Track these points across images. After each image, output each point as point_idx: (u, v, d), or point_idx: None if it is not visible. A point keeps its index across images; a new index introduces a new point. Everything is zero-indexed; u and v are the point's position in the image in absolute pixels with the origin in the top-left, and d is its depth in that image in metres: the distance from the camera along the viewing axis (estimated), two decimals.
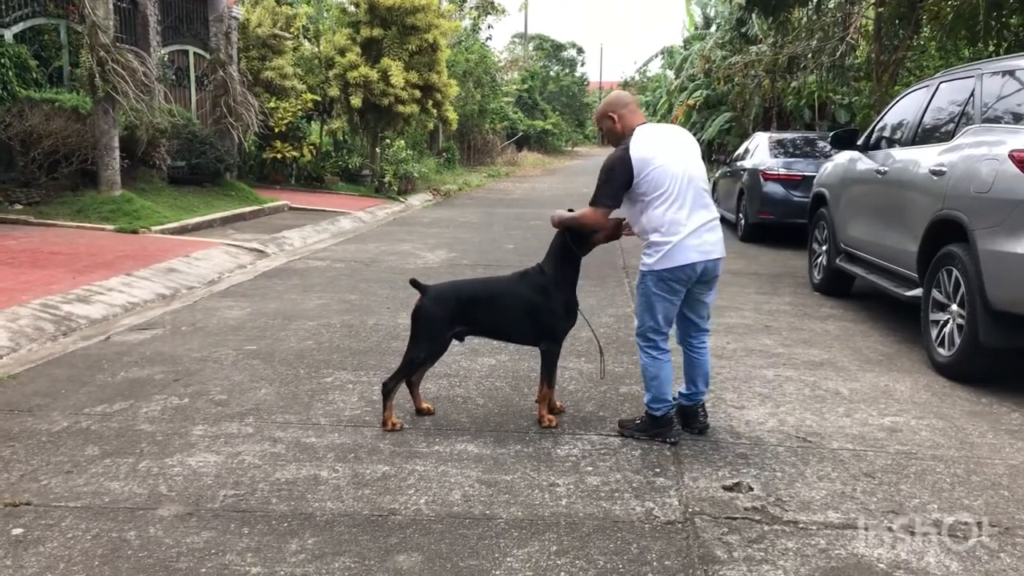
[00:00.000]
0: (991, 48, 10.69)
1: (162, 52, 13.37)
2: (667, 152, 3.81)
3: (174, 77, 14.06)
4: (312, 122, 18.27)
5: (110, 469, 3.52)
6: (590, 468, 3.62)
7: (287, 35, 16.27)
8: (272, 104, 15.61)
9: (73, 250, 8.43)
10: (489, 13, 27.63)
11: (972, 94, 5.57)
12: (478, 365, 5.17)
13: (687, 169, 3.82)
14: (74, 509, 3.16)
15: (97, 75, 10.14)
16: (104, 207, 10.39)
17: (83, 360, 5.19)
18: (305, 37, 18.54)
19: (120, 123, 11.00)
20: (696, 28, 31.20)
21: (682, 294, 3.92)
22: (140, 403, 4.37)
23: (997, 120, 5.20)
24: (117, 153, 10.75)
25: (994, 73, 5.49)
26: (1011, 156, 4.62)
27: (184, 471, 3.52)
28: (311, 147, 16.87)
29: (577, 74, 58.71)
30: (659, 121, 38.69)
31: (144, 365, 5.08)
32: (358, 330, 6.04)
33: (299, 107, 16.24)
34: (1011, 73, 5.32)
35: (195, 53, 14.89)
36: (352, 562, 2.81)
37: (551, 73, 53.91)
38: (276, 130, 15.72)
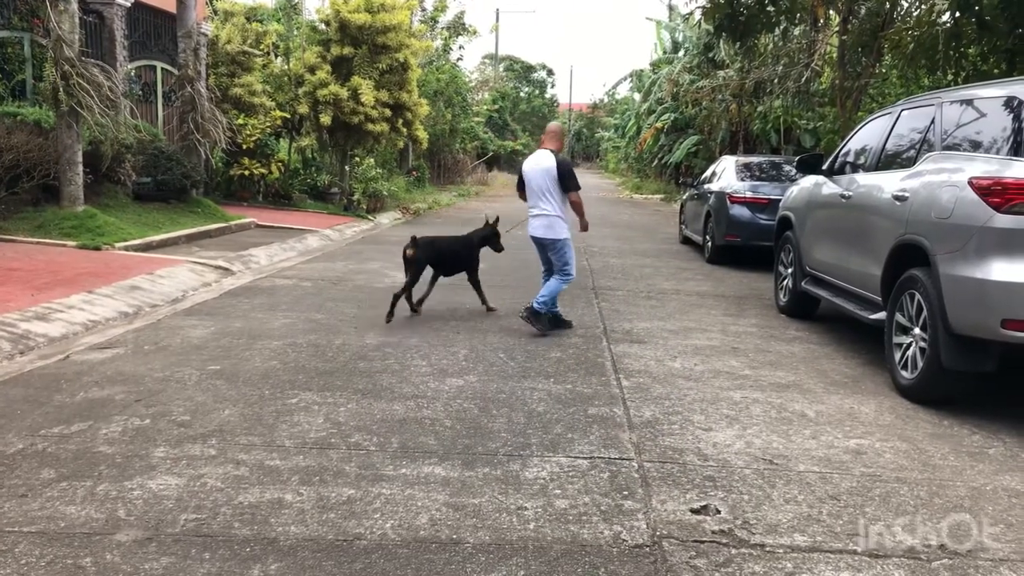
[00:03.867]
0: (950, 77, 10.97)
1: (129, 67, 13.24)
2: (531, 167, 6.82)
3: (141, 92, 13.92)
4: (281, 139, 18.16)
5: (67, 493, 3.43)
6: (558, 491, 3.60)
7: (257, 52, 16.21)
8: (240, 121, 15.51)
9: (32, 266, 8.26)
10: (460, 34, 27.71)
11: (933, 122, 5.69)
12: (446, 386, 5.14)
13: (537, 180, 6.72)
14: (28, 534, 3.07)
15: (61, 89, 10.00)
16: (66, 223, 10.21)
17: (41, 380, 5.07)
18: (275, 54, 18.47)
19: (84, 138, 10.84)
20: (664, 52, 31.63)
21: (538, 248, 7.05)
22: (99, 424, 4.27)
23: (957, 147, 5.32)
24: (80, 168, 10.59)
25: (953, 102, 5.62)
26: (970, 183, 4.72)
27: (144, 494, 3.44)
28: (279, 164, 16.77)
29: (547, 95, 59.20)
30: (627, 143, 39.30)
31: (104, 385, 4.97)
32: (324, 350, 5.98)
33: (268, 124, 16.15)
34: (969, 102, 5.45)
35: (163, 69, 14.77)
36: None
37: (521, 94, 54.30)
38: (244, 147, 15.60)
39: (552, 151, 6.74)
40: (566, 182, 6.65)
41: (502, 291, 8.36)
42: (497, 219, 7.79)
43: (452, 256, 7.58)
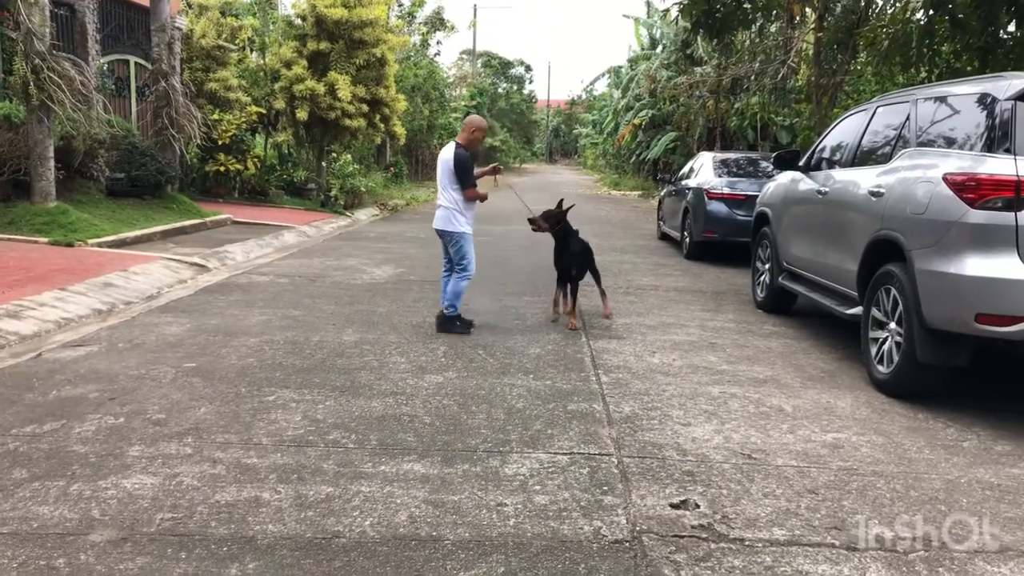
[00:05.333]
0: (924, 74, 11.08)
1: (101, 61, 13.05)
2: (439, 158, 6.76)
3: (114, 87, 13.73)
4: (257, 135, 17.99)
5: (39, 493, 3.38)
6: (538, 487, 3.59)
7: (232, 47, 16.04)
8: (216, 116, 15.34)
9: (3, 263, 8.12)
10: (438, 29, 27.59)
11: (908, 118, 5.74)
12: (425, 383, 5.12)
13: (439, 171, 6.69)
14: (0, 535, 3.01)
15: (32, 83, 9.84)
16: (38, 219, 10.06)
17: (12, 378, 4.98)
18: (250, 49, 18.29)
19: (56, 133, 10.68)
20: (642, 48, 31.73)
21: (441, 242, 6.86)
22: (73, 423, 4.21)
23: (931, 144, 5.37)
24: (52, 163, 10.43)
25: (928, 99, 5.67)
26: (945, 179, 4.77)
27: (119, 494, 3.39)
28: (255, 160, 16.61)
29: (525, 91, 59.11)
30: (605, 139, 39.45)
31: (78, 383, 4.90)
32: (302, 347, 5.93)
33: (243, 119, 15.99)
34: (943, 99, 5.50)
35: (136, 63, 14.59)
36: None
37: (499, 90, 54.18)
38: (220, 142, 15.44)
39: (457, 143, 6.66)
40: (460, 178, 6.53)
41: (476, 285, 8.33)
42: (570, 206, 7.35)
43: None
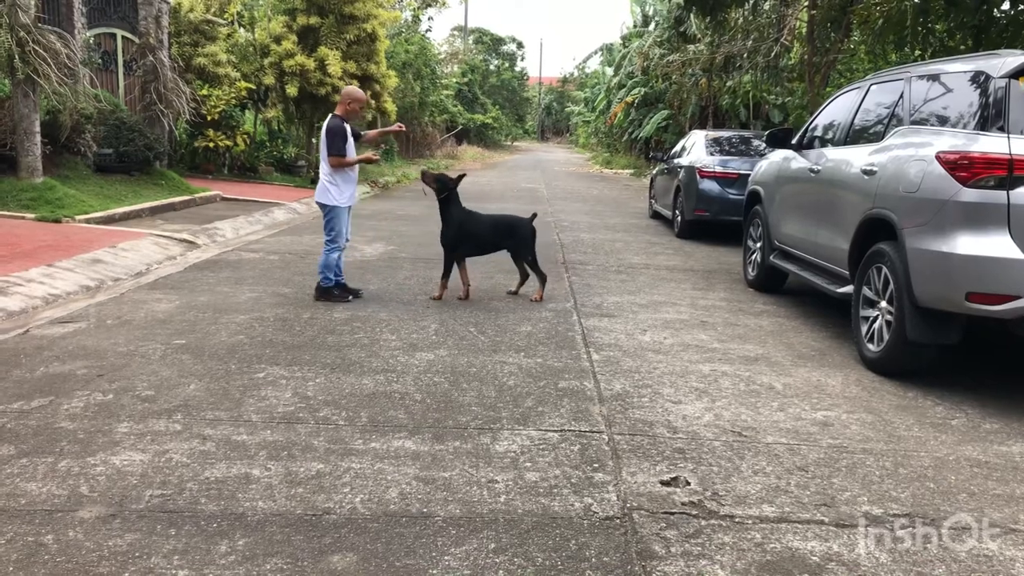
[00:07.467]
0: (917, 52, 11.04)
1: (88, 35, 12.87)
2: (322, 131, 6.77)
3: (100, 61, 13.54)
4: (246, 111, 17.84)
5: (27, 469, 3.36)
6: (529, 464, 3.59)
7: (221, 21, 15.87)
8: (205, 91, 15.19)
9: None
10: (429, 5, 27.42)
11: (901, 96, 5.71)
12: (416, 360, 5.11)
13: (320, 142, 6.69)
14: None
15: (17, 56, 9.70)
16: (24, 194, 9.95)
17: None
18: (240, 24, 18.09)
19: (42, 107, 10.56)
20: (635, 25, 31.54)
21: None
22: (61, 399, 4.18)
23: (925, 122, 5.35)
24: (38, 138, 10.32)
25: (921, 77, 5.65)
26: (938, 157, 4.76)
27: (107, 471, 3.37)
28: (245, 136, 16.48)
29: (517, 68, 58.76)
30: (597, 117, 39.30)
31: (66, 360, 4.86)
32: (292, 324, 5.90)
33: (233, 95, 15.83)
34: (937, 77, 5.48)
35: (123, 37, 14.39)
36: (284, 563, 2.72)
37: (491, 67, 53.83)
38: (209, 118, 15.30)
39: (334, 114, 6.70)
40: (326, 145, 6.60)
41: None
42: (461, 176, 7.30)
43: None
